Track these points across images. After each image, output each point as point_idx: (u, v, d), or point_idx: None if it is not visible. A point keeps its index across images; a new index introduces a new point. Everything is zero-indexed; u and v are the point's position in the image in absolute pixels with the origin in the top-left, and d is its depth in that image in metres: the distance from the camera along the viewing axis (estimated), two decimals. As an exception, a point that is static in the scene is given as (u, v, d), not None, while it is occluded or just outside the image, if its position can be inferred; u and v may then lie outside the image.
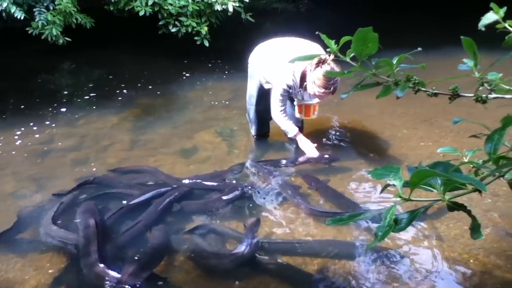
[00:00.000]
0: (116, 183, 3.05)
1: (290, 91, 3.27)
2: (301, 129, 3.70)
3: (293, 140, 3.52)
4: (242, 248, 2.21)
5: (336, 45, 1.22)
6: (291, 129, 3.39)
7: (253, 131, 3.83)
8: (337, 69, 2.97)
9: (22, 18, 5.39)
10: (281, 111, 3.34)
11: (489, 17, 1.12)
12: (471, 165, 1.04)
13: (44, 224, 2.53)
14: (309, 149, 3.37)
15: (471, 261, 2.34)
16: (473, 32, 1.09)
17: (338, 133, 3.99)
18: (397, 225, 0.84)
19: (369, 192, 3.05)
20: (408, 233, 2.56)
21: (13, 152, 3.58)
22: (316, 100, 3.32)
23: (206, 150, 3.68)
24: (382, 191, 0.93)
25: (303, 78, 3.16)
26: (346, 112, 4.46)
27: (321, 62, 2.97)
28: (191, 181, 3.04)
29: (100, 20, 6.28)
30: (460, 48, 1.14)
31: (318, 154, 3.36)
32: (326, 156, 3.40)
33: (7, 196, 2.98)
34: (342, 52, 1.20)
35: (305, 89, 3.20)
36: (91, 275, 2.11)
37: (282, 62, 3.19)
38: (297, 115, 3.50)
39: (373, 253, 2.39)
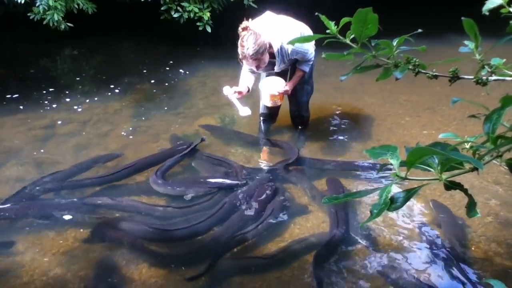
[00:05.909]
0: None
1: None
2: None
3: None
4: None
5: (335, 26, 1.21)
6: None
7: (261, 108, 3.70)
8: (254, 34, 2.83)
9: (22, 2, 5.37)
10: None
11: (494, 1, 1.10)
12: (470, 149, 1.04)
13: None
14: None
15: (473, 248, 2.36)
16: (475, 20, 1.08)
17: (339, 121, 3.98)
18: (392, 204, 0.84)
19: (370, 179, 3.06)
20: (409, 221, 2.58)
21: (16, 137, 3.60)
22: (277, 89, 3.20)
23: (208, 136, 3.69)
24: (379, 171, 0.93)
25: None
26: (348, 100, 4.45)
27: (241, 29, 2.87)
28: None
29: (102, 5, 6.24)
30: (461, 36, 1.13)
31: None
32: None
33: (11, 180, 3.01)
34: (342, 34, 1.20)
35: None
36: None
37: None
38: (266, 103, 3.39)
39: (374, 237, 2.42)
